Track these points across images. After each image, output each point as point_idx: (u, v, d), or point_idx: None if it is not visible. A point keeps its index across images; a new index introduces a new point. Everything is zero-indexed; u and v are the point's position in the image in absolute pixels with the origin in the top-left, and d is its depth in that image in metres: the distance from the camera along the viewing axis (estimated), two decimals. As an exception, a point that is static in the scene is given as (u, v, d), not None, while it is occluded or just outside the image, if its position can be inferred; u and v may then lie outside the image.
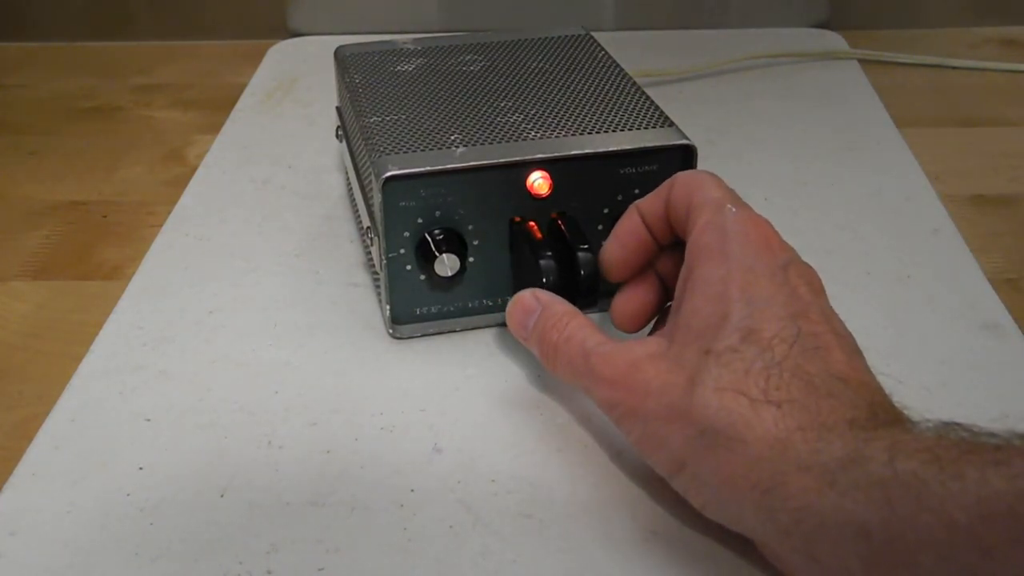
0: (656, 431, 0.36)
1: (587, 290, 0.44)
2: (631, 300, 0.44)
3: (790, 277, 0.37)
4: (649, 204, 0.42)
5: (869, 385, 0.35)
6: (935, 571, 0.28)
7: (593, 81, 0.52)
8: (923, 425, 0.32)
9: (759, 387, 0.33)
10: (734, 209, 0.39)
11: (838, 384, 0.34)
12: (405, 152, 0.46)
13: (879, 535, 0.29)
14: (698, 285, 0.37)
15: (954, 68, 0.80)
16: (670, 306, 0.44)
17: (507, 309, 0.43)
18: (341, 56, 0.58)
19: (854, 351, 0.36)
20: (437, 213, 0.46)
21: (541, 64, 0.55)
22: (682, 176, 0.41)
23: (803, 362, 0.34)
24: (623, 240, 0.43)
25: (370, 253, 0.51)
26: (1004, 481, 0.27)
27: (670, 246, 0.42)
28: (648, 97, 0.51)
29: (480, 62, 0.55)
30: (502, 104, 0.50)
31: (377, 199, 0.45)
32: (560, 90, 0.51)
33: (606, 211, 0.47)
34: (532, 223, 0.46)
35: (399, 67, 0.55)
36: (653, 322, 0.44)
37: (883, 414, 0.33)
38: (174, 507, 0.39)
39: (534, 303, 0.42)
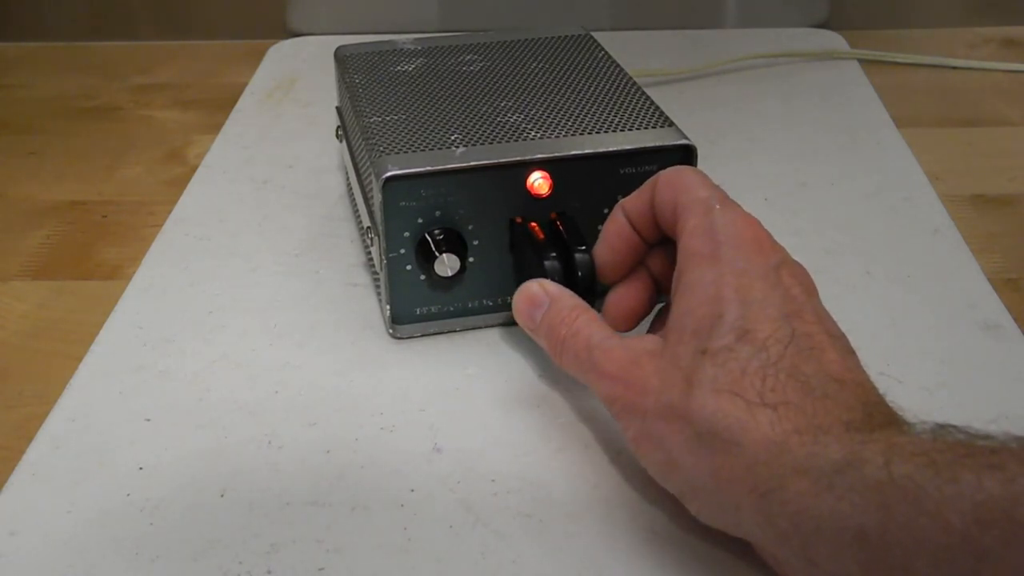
0: (653, 429, 0.36)
1: (585, 291, 0.44)
2: (623, 299, 0.44)
3: (783, 278, 0.36)
4: (633, 204, 0.42)
5: (864, 385, 0.35)
6: (931, 575, 0.28)
7: (593, 81, 0.52)
8: (919, 427, 0.32)
9: (755, 389, 0.33)
10: (722, 209, 0.38)
11: (833, 385, 0.34)
12: (405, 152, 0.46)
13: (876, 539, 0.29)
14: (691, 287, 0.37)
15: (954, 68, 0.80)
16: (663, 306, 0.44)
17: (514, 299, 0.43)
18: (341, 56, 0.58)
19: (847, 351, 0.36)
20: (437, 213, 0.46)
21: (541, 64, 0.55)
22: (665, 175, 0.41)
23: (798, 363, 0.34)
24: (611, 242, 0.43)
25: (370, 253, 0.51)
26: (999, 485, 0.27)
27: (659, 243, 0.42)
28: (648, 97, 0.51)
29: (480, 62, 0.55)
30: (502, 104, 0.50)
31: (377, 199, 0.45)
32: (560, 90, 0.51)
33: (606, 211, 0.47)
34: (534, 224, 0.46)
35: (399, 67, 0.55)
36: (651, 320, 0.44)
37: (878, 415, 0.33)
38: (174, 507, 0.39)
39: (542, 295, 0.42)
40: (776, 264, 0.37)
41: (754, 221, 0.38)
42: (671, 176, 0.41)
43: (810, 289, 0.37)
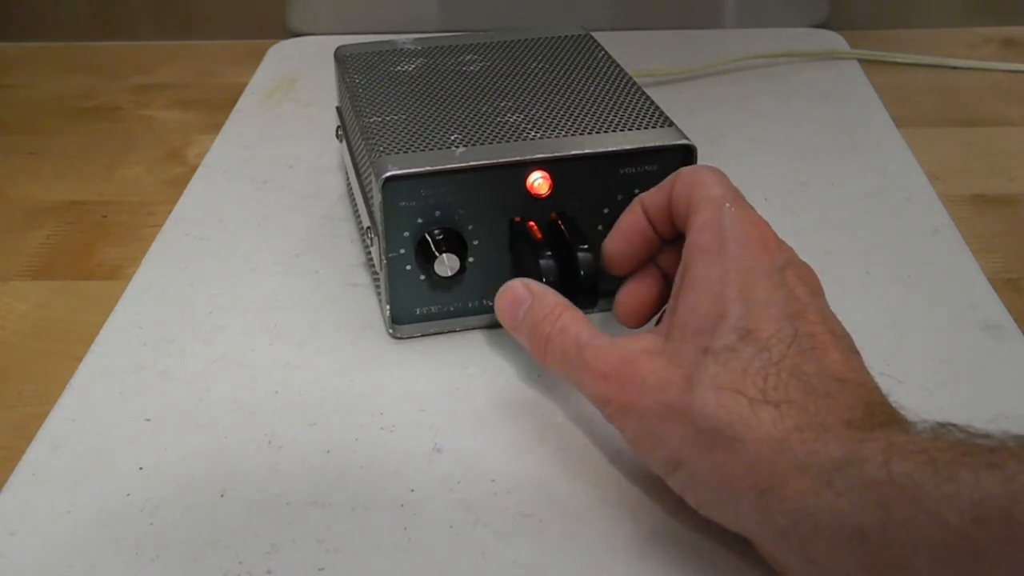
0: (652, 428, 0.36)
1: (587, 290, 0.44)
2: (635, 295, 0.44)
3: (787, 278, 0.37)
4: (652, 198, 0.42)
5: (866, 385, 0.35)
6: (929, 573, 0.28)
7: (593, 81, 0.52)
8: (919, 426, 0.32)
9: (757, 387, 0.33)
10: (733, 208, 0.38)
11: (835, 384, 0.34)
12: (405, 152, 0.46)
13: (874, 537, 0.29)
14: (695, 284, 0.37)
15: (954, 68, 0.80)
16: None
17: (496, 298, 0.43)
18: (341, 56, 0.58)
19: (851, 351, 0.36)
20: (437, 213, 0.46)
21: (541, 64, 0.55)
22: (686, 171, 0.41)
23: (800, 362, 0.34)
24: (625, 233, 0.43)
25: (370, 253, 0.51)
26: (998, 484, 0.27)
27: (672, 240, 0.42)
28: (648, 97, 0.51)
29: (480, 62, 0.55)
30: (502, 104, 0.50)
31: (377, 199, 0.45)
32: (560, 90, 0.51)
33: (606, 211, 0.47)
34: (532, 223, 0.46)
35: (399, 67, 0.55)
36: (657, 317, 0.44)
37: (879, 414, 0.33)
38: (174, 507, 0.39)
39: (525, 293, 0.42)
40: (782, 264, 0.37)
41: (762, 222, 0.39)
42: (690, 173, 0.41)
43: (815, 290, 0.37)
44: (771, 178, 0.61)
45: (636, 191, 0.46)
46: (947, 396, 0.44)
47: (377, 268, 0.48)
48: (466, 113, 0.49)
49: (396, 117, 0.49)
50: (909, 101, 0.74)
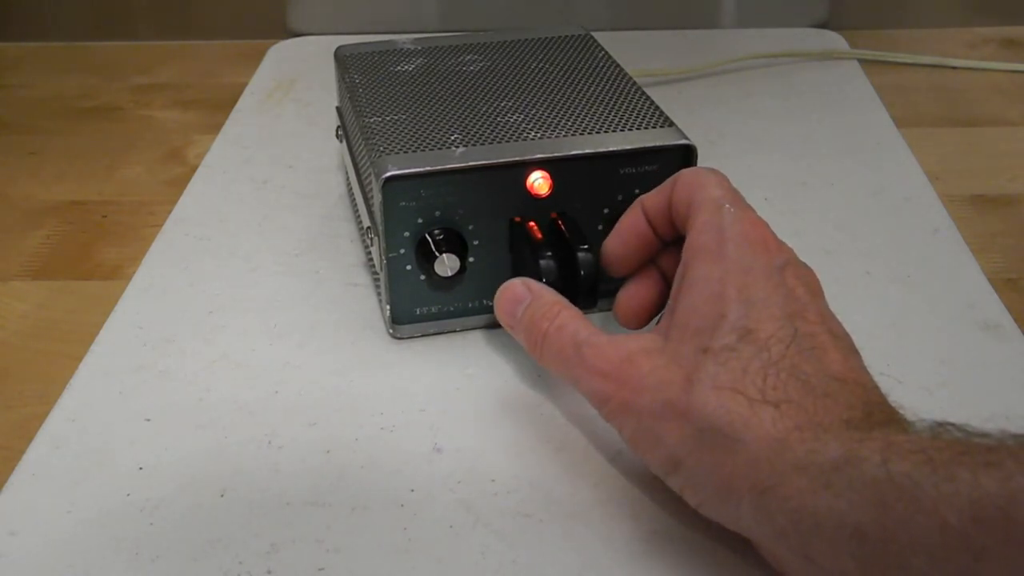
0: (651, 428, 0.36)
1: (587, 290, 0.44)
2: (634, 296, 0.44)
3: (787, 278, 0.37)
4: (653, 200, 0.42)
5: (865, 385, 0.35)
6: (928, 573, 0.28)
7: (593, 81, 0.52)
8: (917, 425, 0.32)
9: (756, 387, 0.33)
10: (732, 209, 0.39)
11: (834, 384, 0.34)
12: (405, 152, 0.46)
13: (873, 536, 0.29)
14: (695, 284, 0.37)
15: (954, 68, 0.80)
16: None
17: (496, 296, 0.43)
18: (341, 56, 0.58)
19: (850, 351, 0.36)
20: (437, 213, 0.46)
21: (541, 64, 0.55)
22: (685, 173, 0.41)
23: (800, 362, 0.34)
24: (625, 235, 0.43)
25: (370, 253, 0.51)
26: (996, 483, 0.27)
27: (673, 242, 0.43)
28: (648, 97, 0.51)
29: (480, 62, 0.55)
30: (502, 104, 0.50)
31: (377, 199, 0.45)
32: (560, 90, 0.51)
33: (606, 211, 0.47)
34: (532, 223, 0.46)
35: (399, 67, 0.55)
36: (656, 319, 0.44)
37: (878, 414, 0.33)
38: (174, 507, 0.40)
39: (524, 292, 0.42)
40: (781, 264, 0.37)
41: (762, 223, 0.39)
42: (690, 175, 0.41)
43: (815, 290, 0.37)
44: (771, 178, 0.61)
45: (636, 191, 0.46)
46: (947, 396, 0.44)
47: (377, 268, 0.48)
48: (466, 113, 0.49)
49: (396, 117, 0.49)
50: (909, 101, 0.74)
